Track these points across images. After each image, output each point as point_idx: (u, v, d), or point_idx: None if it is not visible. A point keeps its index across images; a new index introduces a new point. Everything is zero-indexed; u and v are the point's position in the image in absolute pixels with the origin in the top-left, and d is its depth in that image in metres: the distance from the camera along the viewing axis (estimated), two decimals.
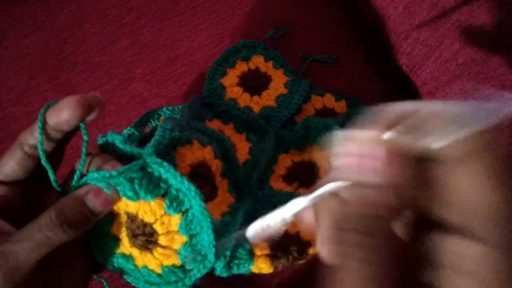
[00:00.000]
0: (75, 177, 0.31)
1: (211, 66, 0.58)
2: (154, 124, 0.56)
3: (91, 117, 0.31)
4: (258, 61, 0.59)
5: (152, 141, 0.33)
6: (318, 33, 0.65)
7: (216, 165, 0.39)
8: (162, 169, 0.31)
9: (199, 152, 0.37)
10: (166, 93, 0.62)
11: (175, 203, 0.31)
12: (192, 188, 0.31)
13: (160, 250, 0.32)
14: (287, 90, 0.56)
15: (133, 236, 0.32)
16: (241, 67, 0.58)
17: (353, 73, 0.63)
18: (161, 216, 0.32)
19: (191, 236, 0.32)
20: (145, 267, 0.33)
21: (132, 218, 0.32)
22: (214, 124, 0.51)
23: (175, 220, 0.32)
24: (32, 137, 0.30)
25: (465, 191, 0.17)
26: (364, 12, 0.64)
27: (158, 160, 0.31)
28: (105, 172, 0.30)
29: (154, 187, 0.31)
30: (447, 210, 0.18)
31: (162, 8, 0.67)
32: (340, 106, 0.56)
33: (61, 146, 0.33)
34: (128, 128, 0.54)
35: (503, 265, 0.16)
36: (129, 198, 0.30)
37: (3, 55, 0.65)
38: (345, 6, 0.67)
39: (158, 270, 0.33)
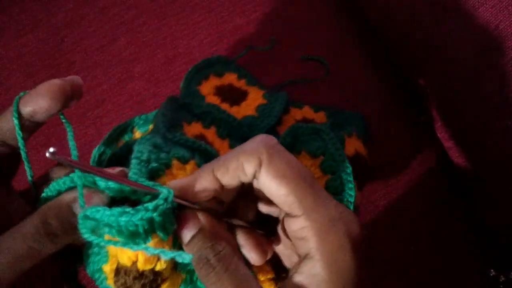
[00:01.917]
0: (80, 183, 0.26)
1: (186, 73, 0.55)
2: (127, 138, 0.48)
3: (71, 103, 0.27)
4: (231, 78, 0.56)
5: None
6: (318, 32, 0.65)
7: None
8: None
9: (181, 174, 0.34)
10: (164, 92, 0.62)
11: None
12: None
13: None
14: (266, 100, 0.53)
15: None
16: (215, 81, 0.55)
17: (353, 73, 0.63)
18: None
19: (189, 272, 0.30)
20: None
21: (124, 271, 0.29)
22: (194, 128, 0.46)
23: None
24: None
25: (273, 193, 0.25)
26: (364, 12, 0.63)
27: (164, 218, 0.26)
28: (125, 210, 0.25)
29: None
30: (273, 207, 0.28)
31: (160, 7, 0.66)
32: (320, 117, 0.55)
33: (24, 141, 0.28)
34: (98, 146, 0.46)
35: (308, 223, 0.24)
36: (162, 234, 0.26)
37: (0, 54, 0.65)
38: (345, 6, 0.67)
39: None
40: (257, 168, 0.25)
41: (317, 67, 0.63)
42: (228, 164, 0.26)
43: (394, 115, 0.62)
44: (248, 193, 0.29)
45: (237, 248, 0.28)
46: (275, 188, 0.25)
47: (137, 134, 0.46)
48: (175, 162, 0.34)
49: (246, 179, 0.26)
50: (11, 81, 0.63)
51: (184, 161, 0.35)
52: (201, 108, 0.48)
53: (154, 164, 0.32)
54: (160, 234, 0.26)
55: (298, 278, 0.24)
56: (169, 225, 0.26)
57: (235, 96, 0.54)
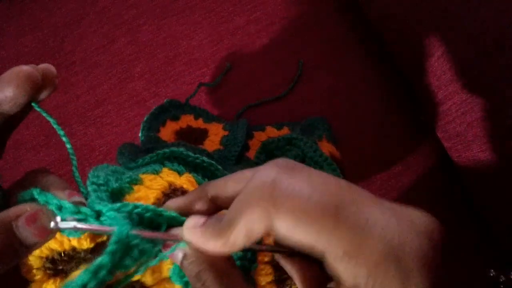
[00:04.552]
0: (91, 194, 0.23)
1: (143, 122, 0.53)
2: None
3: (43, 94, 0.24)
4: (187, 120, 0.55)
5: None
6: (318, 32, 0.65)
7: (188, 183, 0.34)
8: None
9: (157, 182, 0.32)
10: (165, 92, 0.62)
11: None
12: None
13: None
14: (227, 131, 0.53)
15: None
16: (172, 126, 0.54)
17: (353, 74, 0.63)
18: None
19: (186, 284, 0.28)
20: None
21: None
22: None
23: (167, 265, 0.28)
24: None
25: (299, 246, 0.20)
26: (364, 12, 0.63)
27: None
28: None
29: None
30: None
31: (161, 7, 0.66)
32: (284, 133, 0.54)
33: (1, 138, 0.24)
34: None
35: None
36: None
37: (0, 54, 0.65)
38: (345, 5, 0.67)
39: None
40: (268, 223, 0.20)
41: (316, 68, 0.63)
42: (232, 230, 0.21)
43: (394, 115, 0.62)
44: None
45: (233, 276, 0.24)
46: (297, 240, 0.20)
47: None
48: (144, 176, 0.31)
49: (259, 236, 0.21)
50: None
51: (156, 172, 0.32)
52: (168, 146, 0.41)
53: (114, 185, 0.28)
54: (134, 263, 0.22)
55: None
56: (139, 255, 0.22)
57: (196, 136, 0.53)
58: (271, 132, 0.55)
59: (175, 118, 0.55)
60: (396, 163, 0.59)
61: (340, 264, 0.19)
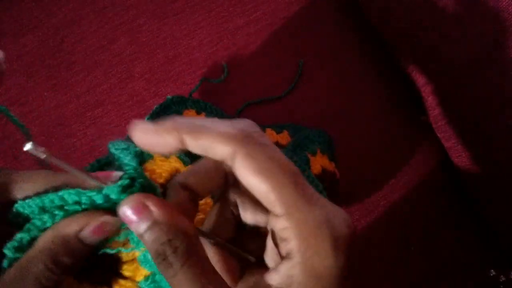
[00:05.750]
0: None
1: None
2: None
3: None
4: (190, 115, 0.56)
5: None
6: (318, 32, 0.65)
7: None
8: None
9: (166, 163, 0.33)
10: (165, 92, 0.62)
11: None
12: None
13: (122, 282, 0.28)
14: None
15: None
16: None
17: (353, 74, 0.63)
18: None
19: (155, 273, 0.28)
20: None
21: None
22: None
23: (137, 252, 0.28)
24: None
25: (253, 189, 0.23)
26: (364, 12, 0.63)
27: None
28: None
29: None
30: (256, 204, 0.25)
31: (160, 7, 0.66)
32: (283, 137, 0.55)
33: None
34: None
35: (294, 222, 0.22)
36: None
37: None
38: (345, 5, 0.67)
39: None
40: (229, 157, 0.22)
41: (314, 68, 0.63)
42: (198, 136, 0.22)
43: (394, 115, 0.62)
44: (225, 209, 0.27)
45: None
46: (254, 184, 0.22)
47: None
48: (156, 156, 0.33)
49: (215, 158, 0.23)
50: (11, 81, 0.63)
51: (166, 157, 0.34)
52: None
53: (135, 149, 0.28)
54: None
55: (274, 276, 0.23)
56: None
57: None
58: (270, 135, 0.55)
59: (178, 114, 0.55)
60: (396, 163, 0.59)
61: (283, 223, 0.22)
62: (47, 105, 0.61)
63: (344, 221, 0.23)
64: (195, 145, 0.23)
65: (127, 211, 0.22)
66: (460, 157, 0.55)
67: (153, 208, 0.22)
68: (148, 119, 0.53)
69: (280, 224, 0.23)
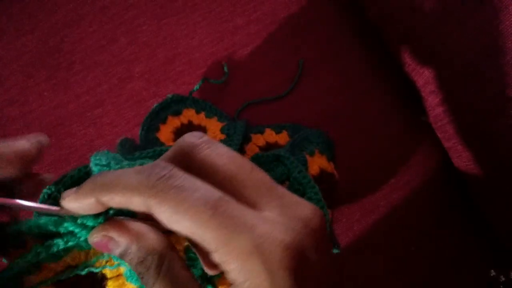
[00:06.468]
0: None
1: (143, 121, 0.54)
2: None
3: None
4: (189, 114, 0.56)
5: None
6: (318, 32, 0.65)
7: None
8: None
9: None
10: (164, 92, 0.61)
11: None
12: None
13: None
14: (224, 135, 0.53)
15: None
16: (173, 123, 0.55)
17: (353, 74, 0.63)
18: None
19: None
20: None
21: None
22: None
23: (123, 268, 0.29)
24: None
25: (178, 232, 0.22)
26: (365, 11, 0.63)
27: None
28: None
29: None
30: None
31: (160, 6, 0.66)
32: (282, 138, 0.55)
33: None
34: (48, 186, 0.37)
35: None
36: None
37: (0, 54, 0.65)
38: (346, 6, 0.67)
39: None
40: (147, 209, 0.22)
41: (314, 69, 0.63)
42: (112, 195, 0.22)
43: (394, 115, 0.62)
44: None
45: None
46: (176, 229, 0.22)
47: None
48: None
49: (139, 211, 0.23)
50: (11, 81, 0.63)
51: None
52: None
53: (115, 167, 0.28)
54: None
55: None
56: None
57: None
58: (270, 135, 0.55)
59: (177, 113, 0.55)
60: (396, 163, 0.59)
61: (218, 258, 0.21)
62: (47, 105, 0.61)
63: (280, 242, 0.21)
64: (113, 203, 0.23)
65: (96, 245, 0.24)
66: (460, 157, 0.55)
67: (118, 239, 0.24)
68: (147, 118, 0.53)
69: (217, 259, 0.22)
